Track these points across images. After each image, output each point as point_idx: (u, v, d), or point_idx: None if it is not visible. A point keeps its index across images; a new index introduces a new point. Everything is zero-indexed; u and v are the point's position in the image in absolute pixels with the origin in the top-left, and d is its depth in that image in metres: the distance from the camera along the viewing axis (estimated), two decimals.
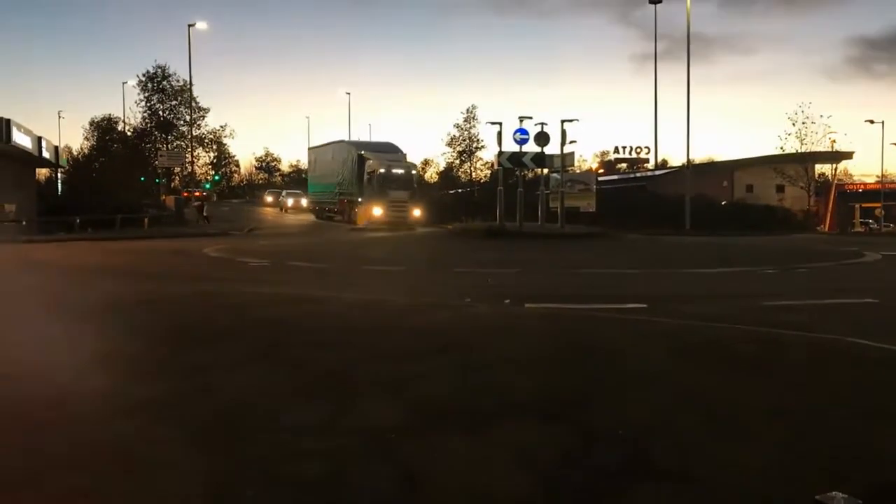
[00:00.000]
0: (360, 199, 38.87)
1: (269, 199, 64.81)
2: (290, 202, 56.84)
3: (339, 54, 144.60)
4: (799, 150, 43.81)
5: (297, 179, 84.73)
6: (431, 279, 12.68)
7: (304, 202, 54.28)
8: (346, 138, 50.39)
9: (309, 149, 54.43)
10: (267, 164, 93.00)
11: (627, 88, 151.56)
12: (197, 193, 51.44)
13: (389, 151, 41.03)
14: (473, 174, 63.99)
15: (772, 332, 6.68)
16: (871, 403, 4.33)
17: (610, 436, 3.67)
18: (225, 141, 64.29)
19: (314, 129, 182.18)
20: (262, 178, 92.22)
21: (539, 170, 30.19)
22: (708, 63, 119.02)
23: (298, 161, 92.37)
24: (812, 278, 13.65)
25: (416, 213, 37.88)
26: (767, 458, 3.36)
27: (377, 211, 36.60)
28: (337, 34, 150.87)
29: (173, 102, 56.02)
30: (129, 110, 61.35)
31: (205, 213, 41.21)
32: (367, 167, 38.42)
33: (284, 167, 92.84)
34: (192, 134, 54.52)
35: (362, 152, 40.69)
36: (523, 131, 27.68)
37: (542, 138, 27.67)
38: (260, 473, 3.18)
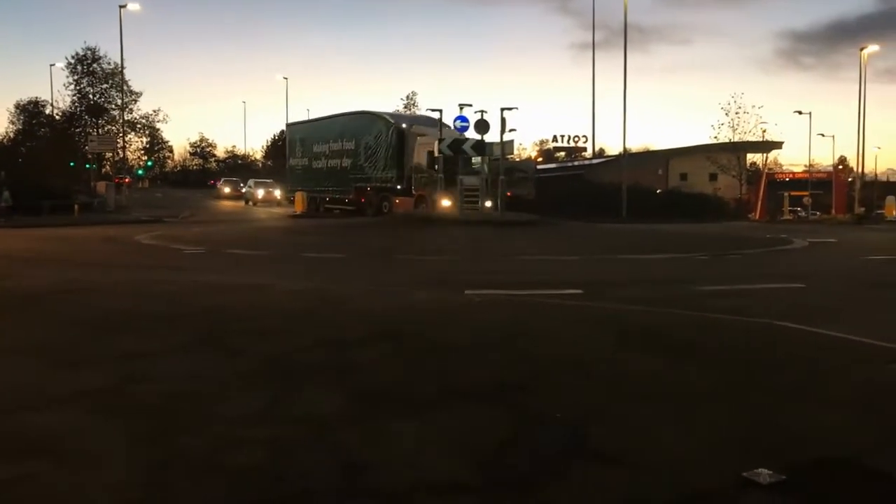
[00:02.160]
0: (399, 187, 31.54)
1: (227, 189, 55.37)
2: (259, 194, 47.31)
3: (276, 38, 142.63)
4: (732, 140, 44.85)
5: (233, 166, 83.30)
6: (371, 267, 12.63)
7: (277, 194, 45.82)
8: (371, 108, 37.77)
9: (289, 125, 44.39)
10: (202, 150, 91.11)
11: (566, 77, 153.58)
12: (116, 179, 48.18)
13: (430, 126, 32.08)
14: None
15: (705, 316, 6.85)
16: (798, 384, 4.49)
17: (548, 419, 3.72)
18: (158, 126, 62.37)
19: (250, 114, 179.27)
20: (196, 164, 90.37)
21: (479, 158, 30.29)
22: (645, 53, 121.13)
23: (234, 147, 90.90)
24: (743, 264, 14.04)
25: (489, 203, 30.06)
26: (700, 439, 3.45)
27: (446, 202, 29.12)
28: (274, 18, 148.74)
29: (104, 86, 54.13)
30: (58, 93, 59.23)
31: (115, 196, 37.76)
32: (417, 146, 30.99)
33: (220, 153, 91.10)
34: (123, 118, 52.92)
35: (404, 126, 32.51)
36: (463, 118, 27.69)
37: (483, 126, 27.71)
38: (197, 463, 3.12)
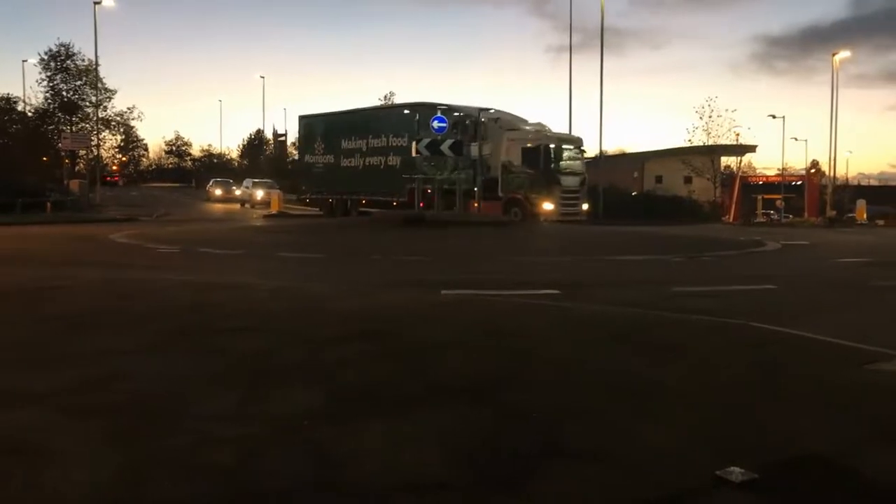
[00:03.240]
0: (474, 189, 27.38)
1: (218, 191, 50.66)
2: (258, 195, 42.87)
3: (253, 37, 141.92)
4: (706, 143, 45.23)
5: (209, 165, 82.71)
6: (349, 267, 12.60)
7: (259, 195, 42.20)
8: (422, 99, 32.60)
9: (304, 118, 37.78)
10: (177, 148, 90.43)
11: (544, 79, 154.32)
12: (106, 178, 46.97)
13: (515, 120, 29.41)
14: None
15: (681, 316, 6.91)
16: (771, 384, 4.54)
17: (526, 418, 3.74)
18: (133, 124, 61.60)
19: (226, 113, 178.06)
20: (171, 163, 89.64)
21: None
22: (621, 56, 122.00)
23: (210, 145, 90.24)
24: (718, 266, 14.17)
25: (585, 206, 28.59)
26: (675, 438, 3.48)
27: (547, 206, 26.95)
28: (251, 16, 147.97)
29: (78, 83, 53.36)
30: (30, 90, 58.57)
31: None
32: (506, 142, 27.83)
33: (195, 151, 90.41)
34: (97, 116, 52.30)
35: (489, 119, 28.55)
36: (441, 119, 27.68)
37: (461, 126, 27.78)
38: (172, 462, 3.10)
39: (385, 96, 62.56)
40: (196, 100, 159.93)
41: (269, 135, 78.24)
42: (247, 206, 42.56)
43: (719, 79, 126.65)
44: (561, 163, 27.91)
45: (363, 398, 4.03)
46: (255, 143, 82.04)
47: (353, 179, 33.12)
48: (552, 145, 27.54)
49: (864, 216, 41.73)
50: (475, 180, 27.41)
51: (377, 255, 14.40)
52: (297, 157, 47.88)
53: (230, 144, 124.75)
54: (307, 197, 36.47)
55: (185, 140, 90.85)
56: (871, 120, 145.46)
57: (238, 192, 47.11)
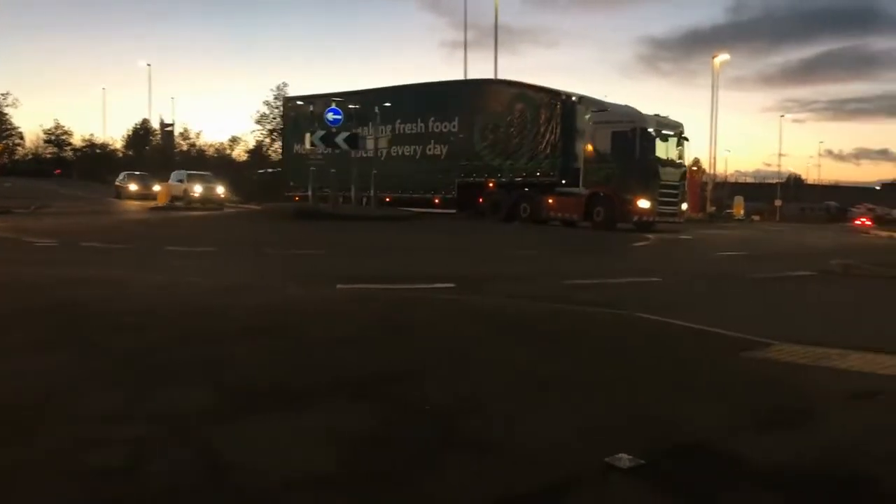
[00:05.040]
0: (563, 181, 23.85)
1: (134, 186, 42.77)
2: (197, 190, 35.90)
3: (137, 23, 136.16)
4: None
5: (91, 155, 78.99)
6: (241, 261, 12.30)
7: (220, 191, 36.18)
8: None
9: (289, 100, 33.11)
10: (57, 138, 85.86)
11: (439, 74, 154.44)
12: None
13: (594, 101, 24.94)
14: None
15: (572, 308, 7.08)
16: (657, 372, 4.71)
17: (419, 412, 3.74)
18: (7, 111, 57.97)
19: (111, 102, 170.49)
20: (51, 153, 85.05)
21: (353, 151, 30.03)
22: (514, 54, 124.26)
23: (92, 135, 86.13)
24: (606, 259, 14.63)
25: (685, 205, 24.53)
26: (566, 427, 3.56)
27: (643, 203, 22.45)
28: (135, 3, 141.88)
29: None
30: None
31: None
32: (594, 127, 23.26)
33: (77, 141, 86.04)
34: None
35: (574, 99, 24.33)
36: (336, 111, 27.34)
37: (356, 119, 27.56)
38: (52, 465, 2.94)
39: (278, 87, 61.47)
40: (78, 89, 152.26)
41: (155, 125, 75.48)
42: (182, 202, 34.74)
43: (609, 79, 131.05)
44: (659, 151, 23.07)
45: (254, 396, 3.94)
46: (141, 134, 78.94)
47: (370, 173, 27.28)
48: (650, 129, 22.61)
49: (742, 212, 43.98)
50: (563, 173, 23.47)
51: (270, 248, 14.12)
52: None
53: (114, 134, 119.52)
54: (296, 194, 30.64)
55: (66, 129, 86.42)
56: (747, 121, 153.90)
57: (157, 188, 38.29)
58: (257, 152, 66.60)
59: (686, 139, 24.42)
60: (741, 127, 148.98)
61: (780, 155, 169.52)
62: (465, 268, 11.79)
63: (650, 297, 8.64)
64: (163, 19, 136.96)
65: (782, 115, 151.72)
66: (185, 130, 74.44)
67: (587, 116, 23.93)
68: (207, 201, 34.63)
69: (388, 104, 28.70)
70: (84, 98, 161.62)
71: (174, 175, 39.07)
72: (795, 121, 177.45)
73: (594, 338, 5.78)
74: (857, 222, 52.80)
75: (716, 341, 5.67)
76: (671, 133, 23.65)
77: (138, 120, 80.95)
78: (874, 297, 9.67)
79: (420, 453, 3.16)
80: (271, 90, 64.92)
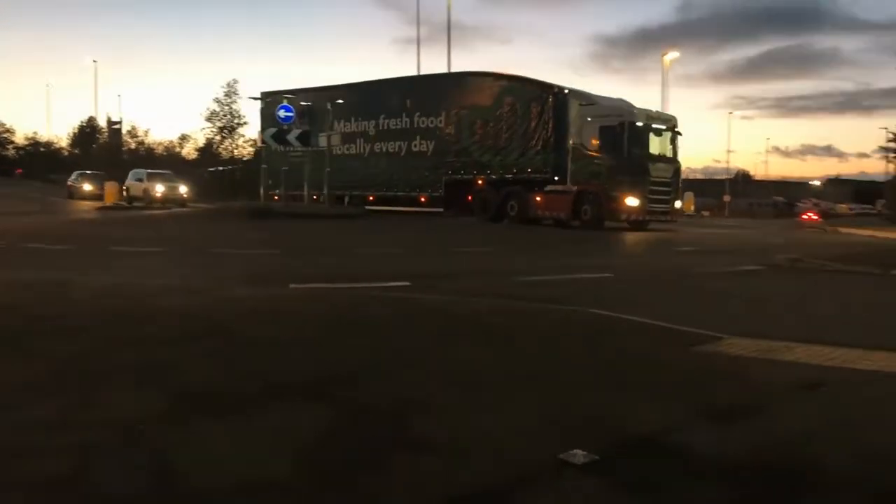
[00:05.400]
0: (556, 178, 22.77)
1: (88, 186, 40.89)
2: (159, 190, 34.80)
3: (81, 18, 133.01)
4: None
5: (35, 154, 76.97)
6: (191, 261, 12.08)
7: (183, 190, 34.89)
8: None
9: (267, 95, 31.14)
10: None
11: (391, 70, 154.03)
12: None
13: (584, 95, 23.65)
14: (236, 151, 61.90)
15: (524, 304, 7.10)
16: (610, 368, 4.74)
17: (372, 411, 3.70)
18: None
19: (55, 99, 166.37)
20: None
21: (303, 149, 29.77)
22: (468, 50, 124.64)
23: (35, 133, 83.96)
24: (560, 255, 14.72)
25: (679, 203, 23.32)
26: (520, 424, 3.56)
27: (632, 201, 21.43)
28: None
29: None
30: None
31: None
32: (582, 120, 22.30)
33: (19, 139, 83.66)
34: None
35: (566, 91, 23.13)
36: (288, 108, 27.10)
37: (307, 117, 27.32)
38: None
39: (228, 84, 60.63)
40: (20, 86, 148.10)
41: (102, 122, 73.80)
42: (143, 203, 33.44)
43: (562, 76, 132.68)
44: (650, 146, 22.03)
45: (203, 400, 3.85)
46: (87, 132, 77.11)
47: (354, 171, 27.18)
48: (639, 123, 21.62)
49: (692, 208, 44.66)
50: (556, 169, 22.40)
51: (221, 248, 13.91)
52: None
53: (59, 132, 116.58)
54: (276, 194, 28.85)
55: (8, 127, 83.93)
56: (697, 118, 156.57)
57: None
58: (207, 150, 65.59)
59: (679, 133, 23.20)
60: (691, 124, 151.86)
61: (728, 151, 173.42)
62: (421, 266, 11.76)
63: (603, 293, 8.71)
64: (108, 14, 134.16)
65: (731, 113, 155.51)
66: (133, 128, 72.94)
67: (577, 109, 23.02)
68: (170, 201, 33.54)
69: (370, 99, 27.87)
70: (26, 95, 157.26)
71: (132, 174, 37.89)
72: (744, 118, 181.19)
73: (546, 334, 5.79)
74: (805, 217, 54.17)
75: (666, 336, 5.73)
76: (662, 127, 22.59)
77: (84, 118, 79.02)
78: (819, 290, 9.89)
79: (372, 454, 3.12)
80: (221, 87, 64.12)
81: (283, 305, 6.93)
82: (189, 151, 71.14)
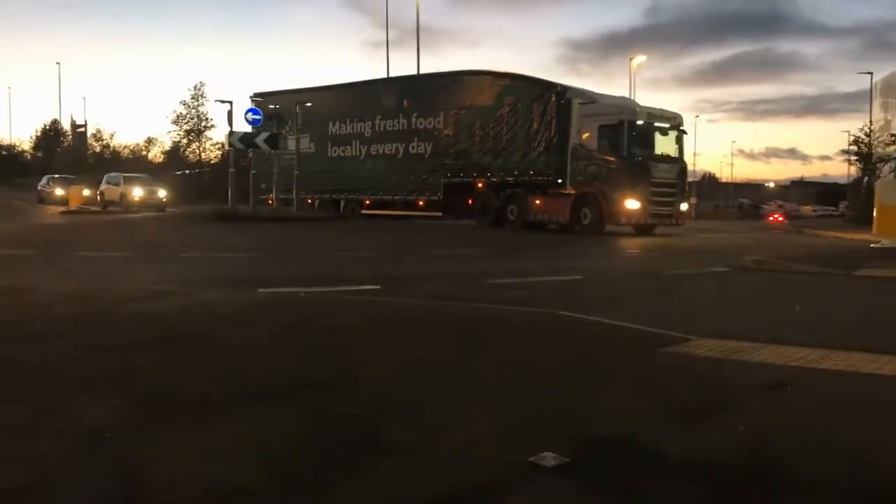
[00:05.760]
0: (559, 181, 21.77)
1: (60, 191, 39.31)
2: (137, 194, 34.10)
3: (44, 19, 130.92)
4: None
5: None
6: (157, 265, 11.93)
7: (162, 195, 34.22)
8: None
9: (259, 96, 30.16)
10: None
11: (361, 73, 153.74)
12: None
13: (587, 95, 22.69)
14: (203, 155, 61.27)
15: (495, 307, 7.11)
16: (580, 370, 4.76)
17: (342, 417, 3.67)
18: None
19: (17, 101, 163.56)
20: None
21: (273, 152, 29.58)
22: (436, 53, 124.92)
23: None
24: (528, 258, 14.77)
25: (685, 206, 22.58)
26: (492, 427, 3.56)
27: (632, 203, 20.43)
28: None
29: None
30: None
31: None
32: (580, 120, 21.39)
33: None
34: None
35: (568, 89, 22.25)
36: (255, 111, 26.93)
37: (276, 120, 27.15)
38: None
39: (195, 86, 59.98)
40: None
41: (66, 125, 72.68)
42: (113, 209, 32.62)
43: None
44: (652, 146, 21.22)
45: (171, 405, 3.80)
46: (51, 135, 75.82)
47: (352, 174, 26.41)
48: (639, 122, 20.76)
49: None
50: (558, 171, 21.26)
51: (187, 252, 13.76)
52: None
53: (21, 135, 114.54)
54: (269, 198, 28.51)
55: None
56: None
57: (86, 193, 35.58)
58: (175, 153, 64.82)
59: (684, 132, 22.39)
60: None
61: (694, 154, 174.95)
62: (392, 268, 11.73)
63: (571, 295, 8.76)
64: (71, 15, 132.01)
65: (697, 116, 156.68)
66: (99, 131, 71.78)
67: (576, 107, 22.07)
68: (148, 205, 32.74)
69: (365, 99, 27.19)
70: None
71: (107, 178, 37.01)
72: (710, 121, 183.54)
73: (515, 337, 5.81)
74: (771, 219, 55.04)
75: (634, 337, 5.76)
76: (666, 125, 21.61)
77: (48, 120, 77.66)
78: (784, 291, 10.03)
79: (343, 459, 3.10)
80: (189, 89, 63.37)
81: (252, 310, 6.87)
82: (156, 155, 70.24)
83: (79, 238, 17.01)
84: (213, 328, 5.80)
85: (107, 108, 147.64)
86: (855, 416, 3.89)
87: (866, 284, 10.56)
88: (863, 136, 28.41)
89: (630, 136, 20.30)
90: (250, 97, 30.82)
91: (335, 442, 3.33)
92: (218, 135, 58.04)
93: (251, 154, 28.76)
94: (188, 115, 60.00)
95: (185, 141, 61.97)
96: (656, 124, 21.31)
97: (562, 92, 22.15)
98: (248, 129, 26.50)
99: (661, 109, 21.88)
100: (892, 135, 24.64)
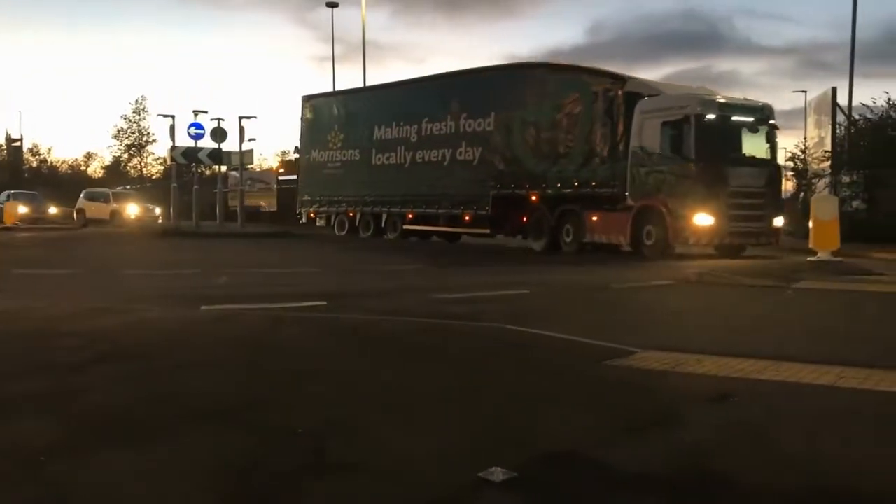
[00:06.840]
0: (626, 193, 17.43)
1: (24, 208, 33.07)
2: (133, 211, 33.09)
3: None
4: None
5: None
6: (99, 282, 11.62)
7: (157, 212, 32.64)
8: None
9: (309, 98, 27.45)
10: None
11: (307, 88, 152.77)
12: None
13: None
14: (144, 170, 60.21)
15: (441, 322, 7.09)
16: (527, 384, 4.77)
17: (288, 436, 3.61)
18: None
19: None
20: None
21: (217, 167, 29.21)
22: (383, 69, 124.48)
23: None
24: (474, 273, 14.80)
25: (778, 221, 17.30)
26: (439, 444, 3.53)
27: (703, 219, 16.06)
28: None
29: None
30: None
31: None
32: (643, 118, 16.99)
33: None
34: None
35: (625, 81, 18.09)
36: (198, 125, 26.58)
37: (219, 134, 26.83)
38: None
39: (136, 100, 59.04)
40: None
41: (1, 140, 70.62)
42: (91, 226, 29.98)
43: None
44: (730, 146, 16.81)
45: (109, 428, 3.69)
46: None
47: (394, 184, 23.06)
48: (709, 115, 16.27)
49: None
50: (623, 182, 17.33)
51: (128, 269, 13.45)
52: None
53: None
54: (312, 210, 26.19)
55: None
56: None
57: (23, 210, 31.69)
58: (115, 168, 63.52)
59: (776, 126, 17.70)
60: None
61: None
62: (339, 285, 11.63)
63: (518, 309, 8.79)
64: (7, 28, 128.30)
65: None
66: (35, 146, 69.95)
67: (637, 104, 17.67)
68: (145, 223, 31.02)
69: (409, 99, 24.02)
70: None
71: (86, 193, 35.60)
72: None
73: (462, 351, 5.80)
74: None
75: (581, 351, 5.80)
76: (748, 119, 17.04)
77: None
78: (726, 303, 10.23)
79: (288, 480, 3.04)
80: (130, 103, 62.16)
81: (194, 328, 6.73)
82: (95, 170, 68.70)
83: (18, 256, 16.49)
84: (153, 347, 5.66)
85: (44, 123, 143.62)
86: (797, 425, 3.97)
87: (804, 296, 10.84)
88: (798, 153, 29.35)
89: (699, 133, 16.10)
90: (302, 100, 27.69)
91: (279, 462, 3.26)
92: (160, 149, 57.12)
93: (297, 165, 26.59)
94: (129, 130, 59.01)
95: (125, 156, 60.86)
96: (734, 118, 16.84)
97: (628, 84, 18.20)
98: (191, 143, 26.19)
99: (742, 99, 17.95)
100: (826, 151, 25.35)
